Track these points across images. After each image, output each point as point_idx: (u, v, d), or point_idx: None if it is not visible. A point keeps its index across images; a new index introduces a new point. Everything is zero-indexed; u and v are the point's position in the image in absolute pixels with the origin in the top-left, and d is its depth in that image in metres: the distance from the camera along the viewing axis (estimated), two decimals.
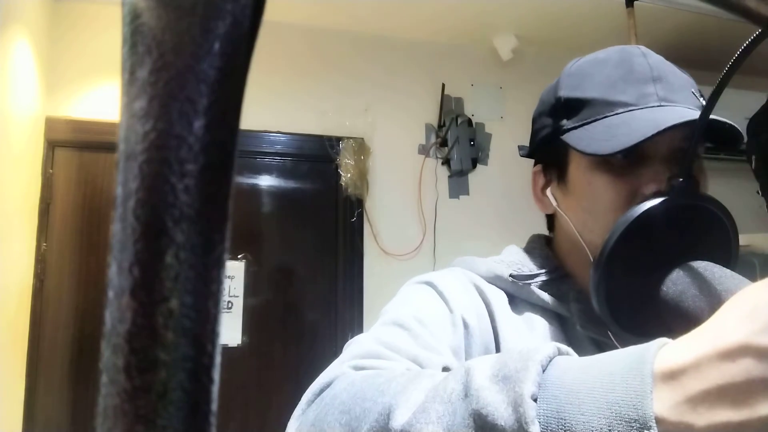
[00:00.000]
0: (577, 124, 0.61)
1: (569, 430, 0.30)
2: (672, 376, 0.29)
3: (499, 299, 0.63)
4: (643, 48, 0.63)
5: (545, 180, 0.69)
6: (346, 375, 0.46)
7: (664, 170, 0.57)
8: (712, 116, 0.52)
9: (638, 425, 0.28)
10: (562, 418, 0.30)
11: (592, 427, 0.29)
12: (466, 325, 0.58)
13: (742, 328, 0.28)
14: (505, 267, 0.66)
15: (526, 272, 0.65)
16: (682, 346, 0.30)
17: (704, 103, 0.60)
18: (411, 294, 0.63)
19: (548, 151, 0.67)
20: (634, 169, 0.58)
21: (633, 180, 0.58)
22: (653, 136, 0.53)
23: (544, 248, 0.69)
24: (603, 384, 0.30)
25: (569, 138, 0.61)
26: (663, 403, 0.28)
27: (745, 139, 0.61)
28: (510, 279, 0.65)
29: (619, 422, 0.29)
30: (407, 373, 0.41)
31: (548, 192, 0.68)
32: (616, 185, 0.59)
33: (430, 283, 0.63)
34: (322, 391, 0.45)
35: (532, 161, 0.73)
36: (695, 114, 0.54)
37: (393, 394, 0.38)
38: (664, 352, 0.30)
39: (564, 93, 0.63)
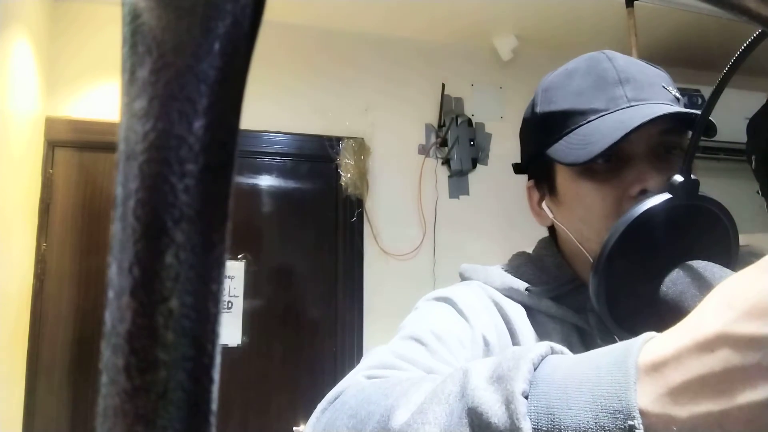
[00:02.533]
0: (556, 137, 0.62)
1: (558, 424, 0.31)
2: (654, 368, 0.29)
3: (517, 314, 0.64)
4: (608, 52, 0.64)
5: (539, 194, 0.70)
6: (358, 383, 0.47)
7: (646, 168, 0.58)
8: (680, 109, 0.54)
9: (622, 416, 0.29)
10: (551, 414, 0.31)
11: (579, 420, 0.30)
12: (486, 343, 0.59)
13: (720, 318, 0.28)
14: (519, 279, 0.66)
15: (542, 284, 0.66)
16: (664, 339, 0.30)
17: (677, 95, 0.61)
18: (429, 311, 0.63)
19: (536, 167, 0.69)
20: (617, 172, 0.59)
21: (618, 183, 0.59)
22: (624, 137, 0.54)
23: (557, 256, 0.69)
24: (590, 378, 0.31)
25: (551, 152, 0.62)
26: (646, 396, 0.29)
27: (716, 131, 0.61)
28: (526, 293, 0.65)
29: (605, 414, 0.29)
30: (413, 378, 0.42)
31: (544, 205, 0.69)
32: (602, 191, 0.60)
33: (449, 300, 0.63)
34: (335, 399, 0.47)
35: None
36: (664, 109, 0.56)
37: (396, 396, 0.39)
38: (648, 345, 0.31)
39: (540, 108, 0.65)
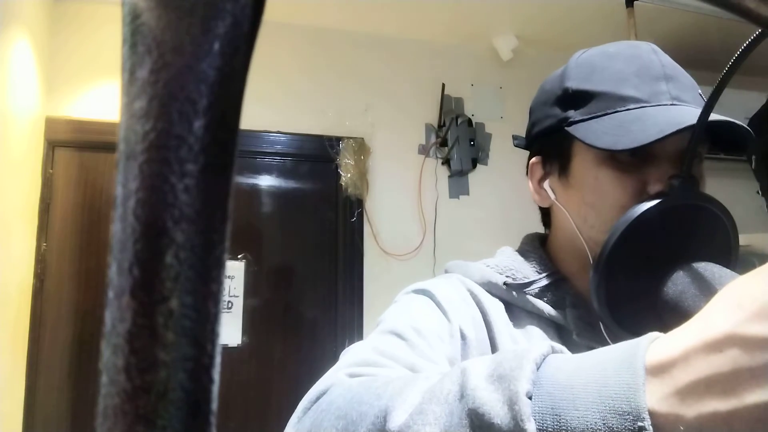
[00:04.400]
0: (585, 117, 0.60)
1: (565, 425, 0.30)
2: (662, 369, 0.29)
3: (495, 308, 0.63)
4: (653, 45, 0.62)
5: (544, 172, 0.67)
6: (343, 382, 0.45)
7: (670, 170, 0.56)
8: (719, 117, 0.52)
9: (632, 417, 0.28)
10: (557, 414, 0.31)
11: (587, 421, 0.30)
12: (463, 336, 0.58)
13: (728, 319, 0.28)
14: (499, 273, 0.65)
15: (521, 278, 0.64)
16: (671, 339, 0.30)
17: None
18: (409, 304, 0.62)
19: (550, 143, 0.66)
20: (640, 167, 0.58)
21: (640, 178, 0.58)
22: (671, 134, 0.52)
23: (539, 250, 0.68)
24: (596, 379, 0.31)
25: (577, 130, 0.60)
26: (654, 396, 0.29)
27: (753, 136, 0.61)
28: (504, 287, 0.64)
29: (613, 415, 0.29)
30: (404, 377, 0.41)
31: (546, 184, 0.67)
32: (622, 182, 0.58)
33: (427, 293, 0.62)
34: (318, 398, 0.45)
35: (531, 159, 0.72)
36: (719, 115, 0.53)
37: (389, 396, 0.38)
38: (655, 345, 0.31)
39: (572, 84, 0.62)
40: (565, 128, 0.61)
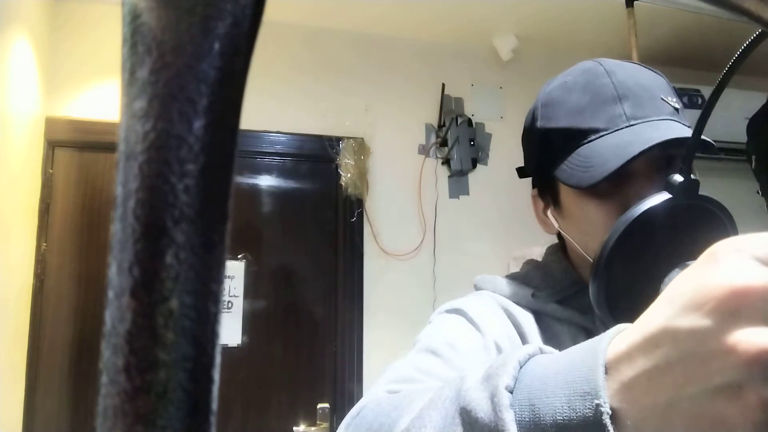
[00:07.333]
0: (557, 156, 0.63)
1: (537, 413, 0.32)
2: (611, 365, 0.31)
3: (527, 320, 0.65)
4: (606, 63, 0.64)
5: (544, 203, 0.71)
6: (376, 398, 0.49)
7: (647, 184, 0.58)
8: (678, 135, 0.55)
9: (590, 396, 0.30)
10: (532, 404, 0.33)
11: (555, 407, 0.31)
12: (499, 349, 0.61)
13: (662, 314, 0.29)
14: (526, 285, 0.68)
15: (548, 288, 0.67)
16: (622, 336, 0.32)
17: (676, 106, 0.61)
18: (442, 323, 0.65)
19: (540, 178, 0.70)
20: (619, 188, 0.60)
21: (620, 198, 0.60)
22: (624, 165, 0.55)
23: (562, 261, 0.70)
24: (566, 368, 0.33)
25: (553, 168, 0.63)
26: (607, 392, 0.30)
27: (715, 150, 0.63)
28: (533, 298, 0.67)
29: (576, 397, 0.31)
30: (420, 389, 0.45)
31: (549, 214, 0.70)
32: (604, 208, 0.60)
33: (459, 311, 0.65)
34: (358, 413, 0.49)
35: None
36: (663, 134, 0.56)
37: (402, 407, 0.42)
38: (614, 340, 0.32)
39: (540, 124, 0.65)
40: (545, 167, 0.65)
